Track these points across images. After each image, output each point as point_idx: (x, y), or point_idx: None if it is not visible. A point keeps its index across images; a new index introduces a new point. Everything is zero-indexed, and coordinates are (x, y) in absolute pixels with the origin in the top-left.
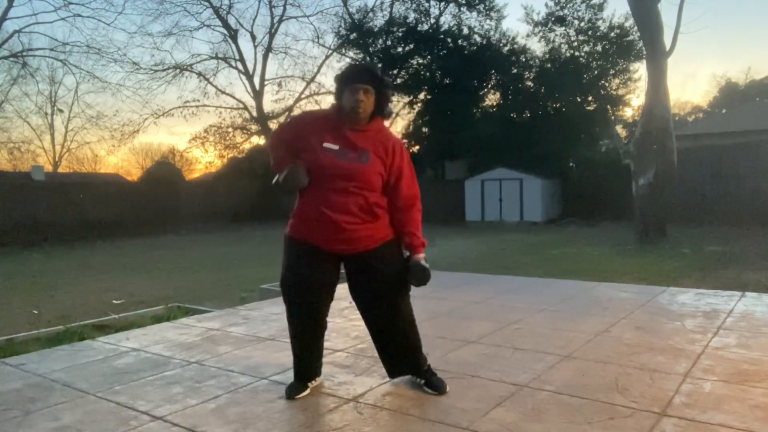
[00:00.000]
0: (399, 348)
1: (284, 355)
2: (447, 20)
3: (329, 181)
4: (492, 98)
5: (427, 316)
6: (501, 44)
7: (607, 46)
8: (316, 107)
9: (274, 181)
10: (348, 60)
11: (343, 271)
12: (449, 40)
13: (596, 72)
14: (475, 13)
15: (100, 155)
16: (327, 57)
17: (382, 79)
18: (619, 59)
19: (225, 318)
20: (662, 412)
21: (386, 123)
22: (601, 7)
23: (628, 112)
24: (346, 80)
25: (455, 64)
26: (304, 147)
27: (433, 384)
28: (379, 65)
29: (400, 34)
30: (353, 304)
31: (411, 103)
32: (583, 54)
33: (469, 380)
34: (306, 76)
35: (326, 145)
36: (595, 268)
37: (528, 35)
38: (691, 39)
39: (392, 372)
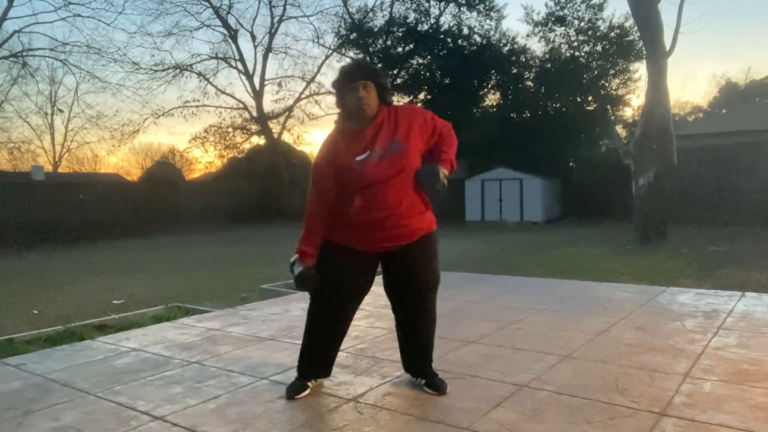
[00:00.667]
0: (420, 345)
1: (284, 355)
2: (447, 20)
3: (377, 186)
4: (492, 98)
5: None
6: (501, 44)
7: (607, 46)
8: (316, 107)
9: (291, 267)
10: (348, 60)
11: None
12: (449, 40)
13: (596, 72)
14: (475, 13)
15: (100, 155)
16: (327, 57)
17: (374, 71)
18: (619, 59)
19: (225, 318)
20: (662, 412)
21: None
22: (601, 7)
23: (628, 112)
24: (342, 83)
25: (455, 64)
26: (344, 167)
27: (433, 384)
28: (379, 64)
29: (400, 34)
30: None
31: (411, 103)
32: (583, 54)
33: (469, 380)
34: (306, 76)
35: (359, 158)
36: (595, 268)
37: (528, 35)
38: (691, 39)
39: (408, 367)
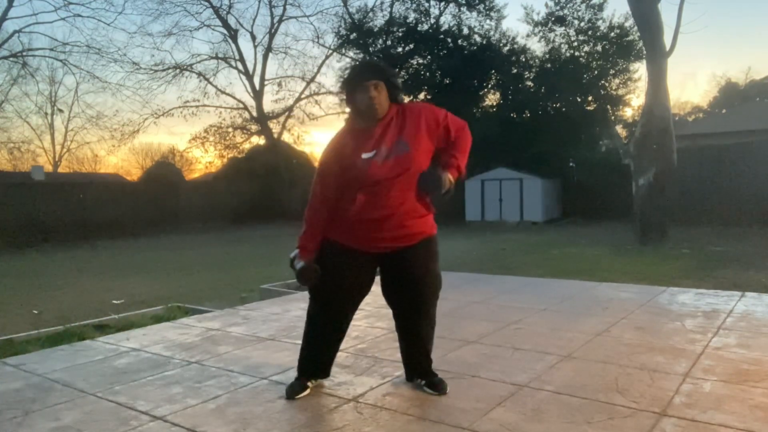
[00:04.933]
0: (421, 350)
1: (284, 355)
2: (447, 20)
3: (381, 185)
4: (492, 98)
5: None
6: (501, 44)
7: (607, 46)
8: (316, 107)
9: (290, 262)
10: (348, 60)
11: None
12: (449, 40)
13: (596, 72)
14: (475, 13)
15: (100, 155)
16: (327, 57)
17: (385, 70)
18: (619, 59)
19: (225, 318)
20: (662, 412)
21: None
22: (601, 7)
23: (628, 112)
24: (353, 82)
25: (455, 64)
26: (348, 166)
27: (433, 384)
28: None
29: (400, 34)
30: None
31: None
32: (583, 54)
33: (469, 380)
34: (306, 76)
35: (364, 156)
36: (595, 268)
37: (528, 35)
38: (691, 39)
39: (411, 374)
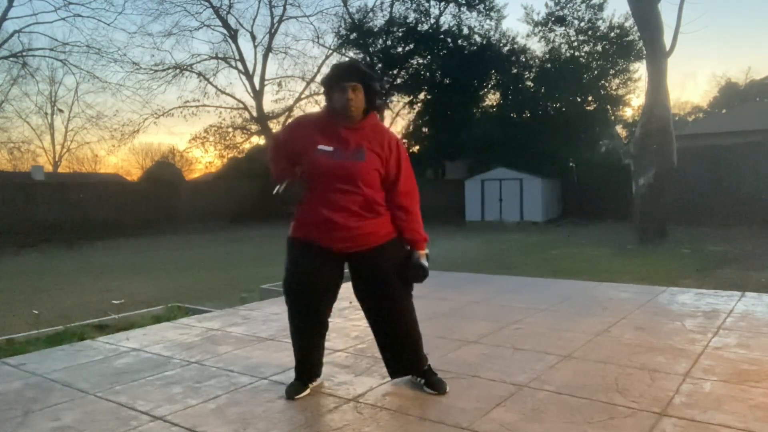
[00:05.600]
0: (400, 347)
1: (284, 355)
2: (447, 20)
3: (327, 182)
4: (492, 98)
5: (427, 316)
6: (501, 44)
7: (607, 46)
8: (316, 108)
9: (274, 192)
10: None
11: (346, 270)
12: (449, 40)
13: (596, 72)
14: (475, 13)
15: (100, 155)
16: (327, 57)
17: (367, 74)
18: (619, 59)
19: (225, 318)
20: (662, 412)
21: (386, 122)
22: (601, 7)
23: (628, 112)
24: (332, 81)
25: (455, 64)
26: (301, 151)
27: (433, 384)
28: (379, 65)
29: (400, 34)
30: (353, 303)
31: (411, 103)
32: (583, 54)
33: (469, 380)
34: (306, 76)
35: (320, 147)
36: (595, 268)
37: (528, 35)
38: (691, 39)
39: (393, 372)
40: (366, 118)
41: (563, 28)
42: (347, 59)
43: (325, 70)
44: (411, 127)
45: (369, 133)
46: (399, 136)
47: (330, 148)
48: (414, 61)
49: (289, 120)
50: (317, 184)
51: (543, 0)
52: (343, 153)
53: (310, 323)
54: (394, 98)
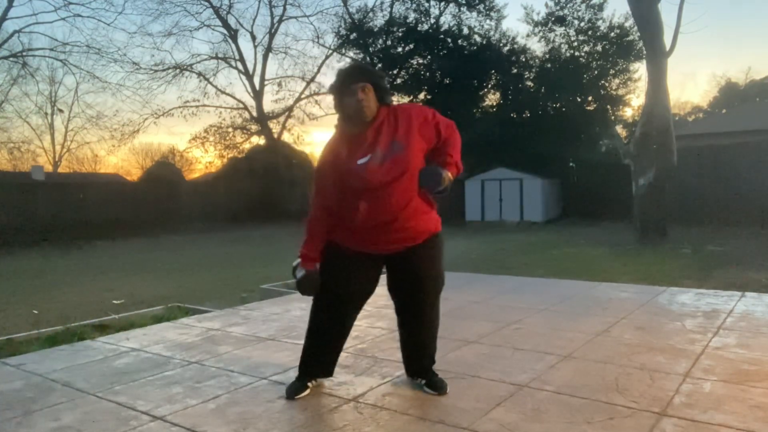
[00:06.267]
0: (423, 345)
1: (284, 355)
2: (447, 20)
3: (381, 189)
4: (492, 98)
5: None
6: (501, 44)
7: (607, 46)
8: (316, 107)
9: (294, 266)
10: (348, 60)
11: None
12: (449, 40)
13: (596, 72)
14: (475, 13)
15: (100, 155)
16: (327, 57)
17: (373, 72)
18: (619, 59)
19: (225, 318)
20: (662, 412)
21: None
22: (601, 7)
23: (628, 112)
24: (340, 86)
25: (455, 64)
26: (344, 174)
27: (433, 384)
28: (379, 64)
29: (400, 34)
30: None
31: (412, 102)
32: (583, 54)
33: (469, 380)
34: (306, 76)
35: (360, 161)
36: (595, 268)
37: (528, 35)
38: (691, 39)
39: (411, 371)
40: (379, 113)
41: (563, 28)
42: (351, 62)
43: (325, 70)
44: None
45: (391, 123)
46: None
47: (367, 158)
48: (414, 61)
49: (291, 120)
50: (371, 195)
51: (543, 0)
52: (381, 156)
53: (339, 328)
54: (394, 98)
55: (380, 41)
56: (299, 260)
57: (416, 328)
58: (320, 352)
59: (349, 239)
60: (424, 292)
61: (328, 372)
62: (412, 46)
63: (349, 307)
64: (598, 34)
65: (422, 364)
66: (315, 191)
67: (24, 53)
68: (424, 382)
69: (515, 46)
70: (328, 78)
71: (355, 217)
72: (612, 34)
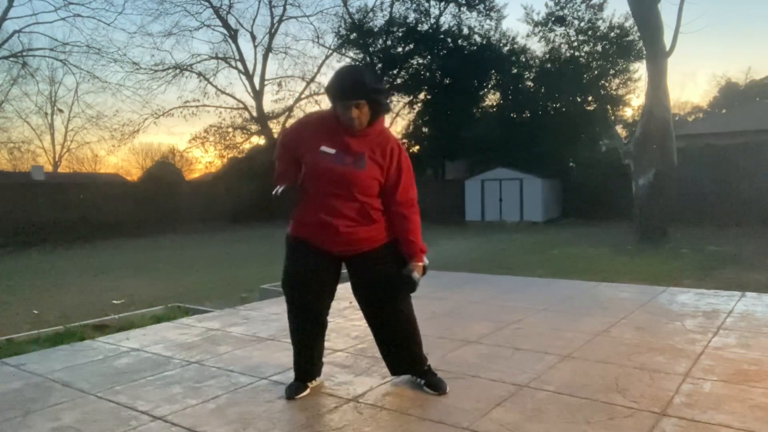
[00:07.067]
0: (399, 347)
1: (284, 355)
2: (447, 20)
3: (326, 185)
4: (492, 98)
5: (427, 316)
6: (501, 44)
7: (607, 46)
8: (316, 107)
9: (273, 192)
10: (348, 60)
11: (344, 270)
12: (449, 40)
13: (596, 72)
14: (475, 13)
15: (100, 155)
16: (327, 57)
17: (372, 89)
18: (619, 59)
19: (225, 318)
20: (662, 412)
21: (386, 122)
22: (601, 7)
23: (628, 112)
24: (335, 97)
25: (455, 64)
26: (304, 151)
27: (433, 384)
28: (379, 64)
29: (400, 34)
30: (353, 303)
31: (411, 103)
32: (583, 54)
33: (469, 380)
34: (306, 76)
35: (323, 148)
36: (595, 268)
37: (528, 35)
38: (691, 39)
39: (394, 370)
40: (372, 125)
41: (563, 28)
42: (351, 70)
43: (325, 70)
44: (411, 127)
45: (373, 140)
46: (399, 137)
47: (332, 151)
48: (414, 61)
49: (291, 120)
50: (316, 186)
51: (543, 0)
52: (344, 158)
53: (308, 322)
54: (394, 98)
55: (380, 41)
56: (277, 187)
57: (384, 330)
58: (304, 353)
59: (306, 231)
60: (381, 295)
61: (317, 372)
62: (412, 46)
63: (315, 303)
64: (598, 34)
65: (407, 366)
66: (280, 136)
67: (24, 53)
68: (423, 382)
69: (515, 46)
70: (328, 78)
71: (300, 207)
72: (612, 34)
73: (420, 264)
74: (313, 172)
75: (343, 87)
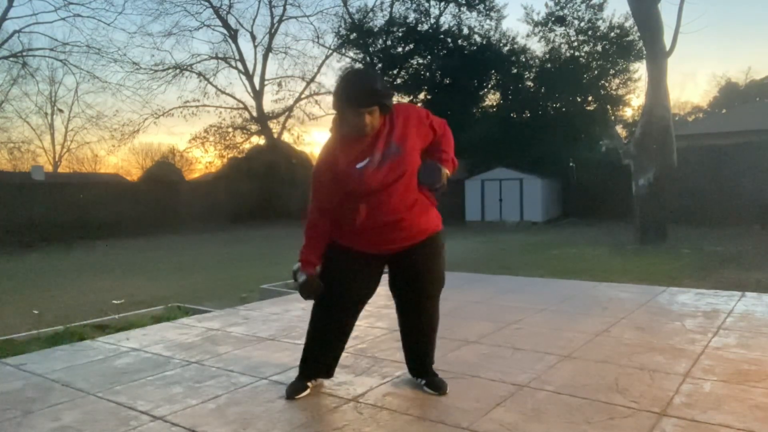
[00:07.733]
0: (424, 343)
1: (284, 355)
2: (447, 20)
3: (380, 192)
4: (492, 98)
5: None
6: (501, 44)
7: (607, 46)
8: (316, 107)
9: (293, 270)
10: (348, 60)
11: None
12: (449, 40)
13: (596, 72)
14: (475, 13)
15: (100, 155)
16: (327, 57)
17: (382, 95)
18: (619, 59)
19: (225, 318)
20: (662, 412)
21: None
22: (601, 7)
23: (628, 112)
24: (348, 105)
25: (455, 64)
26: (343, 178)
27: (433, 384)
28: (379, 64)
29: (400, 34)
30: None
31: (406, 103)
32: (583, 54)
33: (469, 380)
34: (306, 76)
35: (358, 166)
36: (595, 268)
37: (528, 35)
38: (691, 39)
39: (414, 372)
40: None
41: (563, 28)
42: (362, 77)
43: (325, 69)
44: None
45: (387, 125)
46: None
47: (365, 161)
48: (414, 61)
49: (291, 120)
50: (371, 198)
51: (543, 0)
52: (380, 158)
53: (340, 328)
54: (394, 98)
55: (380, 41)
56: (299, 264)
57: (417, 326)
58: (321, 353)
59: (351, 240)
60: (424, 291)
61: (329, 373)
62: (412, 46)
63: (350, 308)
64: (598, 34)
65: (424, 363)
66: (312, 195)
67: (24, 53)
68: (424, 382)
69: (515, 46)
70: (328, 78)
71: (356, 220)
72: (612, 34)
73: (446, 169)
74: (364, 188)
75: (357, 95)
